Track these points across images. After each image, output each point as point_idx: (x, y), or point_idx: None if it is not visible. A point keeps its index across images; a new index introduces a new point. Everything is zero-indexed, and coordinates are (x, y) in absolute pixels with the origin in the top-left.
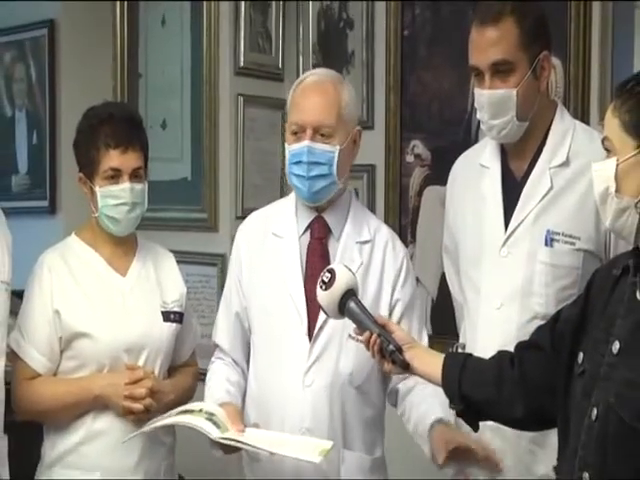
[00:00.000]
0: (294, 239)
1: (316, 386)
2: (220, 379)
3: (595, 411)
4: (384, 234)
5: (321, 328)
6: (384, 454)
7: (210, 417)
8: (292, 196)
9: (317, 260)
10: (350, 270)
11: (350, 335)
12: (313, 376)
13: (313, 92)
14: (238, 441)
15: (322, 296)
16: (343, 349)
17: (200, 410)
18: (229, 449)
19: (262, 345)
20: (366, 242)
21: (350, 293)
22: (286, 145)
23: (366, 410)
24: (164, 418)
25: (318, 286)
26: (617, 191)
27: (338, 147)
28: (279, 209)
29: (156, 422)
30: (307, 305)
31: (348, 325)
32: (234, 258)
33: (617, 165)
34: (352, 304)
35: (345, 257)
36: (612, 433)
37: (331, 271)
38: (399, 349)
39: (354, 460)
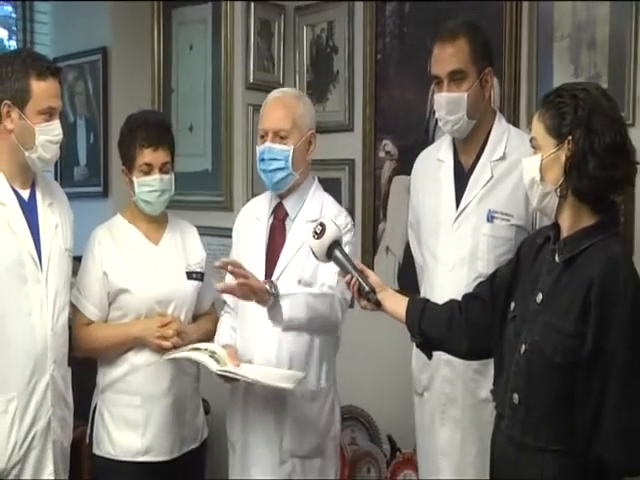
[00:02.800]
0: (265, 221)
1: (268, 327)
2: (225, 327)
3: (523, 347)
4: (330, 212)
5: (276, 280)
6: (334, 383)
7: (212, 355)
8: (268, 191)
9: (277, 235)
10: (337, 225)
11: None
12: (266, 321)
13: (274, 105)
14: (232, 372)
15: (314, 244)
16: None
17: (206, 349)
18: (229, 379)
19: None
20: (314, 221)
21: (336, 243)
22: (257, 148)
23: (311, 344)
24: (178, 352)
25: (311, 236)
26: (541, 180)
27: (292, 147)
28: (261, 199)
29: (171, 355)
30: (266, 270)
31: (293, 283)
32: (234, 237)
33: (541, 160)
34: (337, 252)
35: (296, 233)
36: (535, 363)
37: (322, 224)
38: (373, 290)
39: (300, 391)
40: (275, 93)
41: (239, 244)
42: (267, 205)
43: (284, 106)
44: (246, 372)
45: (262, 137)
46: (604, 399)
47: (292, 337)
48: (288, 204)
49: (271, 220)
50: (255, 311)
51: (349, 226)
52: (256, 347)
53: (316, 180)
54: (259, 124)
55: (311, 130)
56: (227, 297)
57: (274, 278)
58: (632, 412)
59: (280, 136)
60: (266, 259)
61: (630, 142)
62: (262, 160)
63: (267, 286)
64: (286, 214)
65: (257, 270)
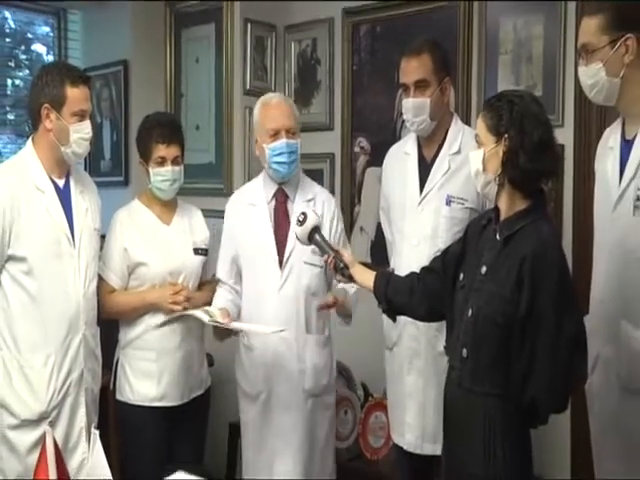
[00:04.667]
0: (264, 205)
1: (288, 295)
2: (220, 298)
3: (470, 311)
4: (322, 194)
5: (287, 260)
6: (330, 334)
7: (207, 312)
8: (259, 178)
9: (282, 216)
10: (317, 214)
11: (304, 261)
12: (285, 289)
13: (280, 107)
14: (221, 323)
15: (297, 230)
16: (302, 271)
17: (205, 310)
18: (221, 335)
19: (250, 275)
20: (310, 200)
21: (316, 229)
22: (265, 145)
23: (315, 302)
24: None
25: (295, 223)
26: (484, 170)
27: (299, 141)
28: (251, 187)
29: (176, 314)
30: (277, 246)
31: (303, 255)
32: (225, 224)
33: (484, 154)
34: (317, 236)
35: (299, 211)
36: (480, 324)
37: (304, 214)
38: (346, 266)
39: (314, 339)
40: (274, 97)
41: (237, 228)
42: (262, 192)
43: (289, 107)
44: (234, 325)
45: (274, 135)
46: (535, 352)
47: (307, 301)
48: (288, 189)
49: (273, 203)
50: (272, 283)
51: (336, 211)
52: (276, 309)
53: (300, 167)
54: (266, 124)
55: None
56: (221, 274)
57: (285, 256)
58: (557, 363)
59: (292, 132)
60: (275, 236)
61: (556, 141)
62: (281, 154)
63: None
64: (287, 197)
65: (269, 249)
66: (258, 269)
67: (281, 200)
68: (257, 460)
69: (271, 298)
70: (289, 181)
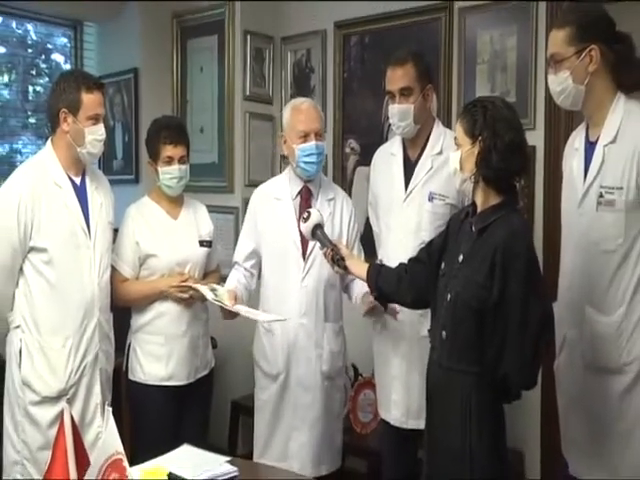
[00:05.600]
0: (289, 200)
1: (309, 286)
2: (233, 278)
3: (449, 296)
4: (341, 195)
5: (310, 253)
6: (342, 323)
7: (213, 290)
8: (284, 174)
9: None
10: (319, 212)
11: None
12: (307, 280)
13: (310, 111)
14: (224, 304)
15: (302, 226)
16: (322, 264)
17: (213, 289)
18: (228, 316)
19: (274, 266)
20: (331, 199)
21: (318, 225)
22: (295, 145)
23: (334, 297)
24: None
25: (301, 221)
26: (461, 169)
27: (325, 143)
28: (276, 183)
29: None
30: (301, 239)
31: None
32: (249, 213)
33: (461, 154)
34: (318, 232)
35: (321, 208)
36: (458, 308)
37: (308, 212)
38: (342, 259)
39: (331, 327)
40: (305, 102)
41: (262, 223)
42: (287, 188)
43: (317, 112)
44: (236, 308)
45: (304, 137)
46: (506, 334)
47: (326, 292)
48: (312, 187)
49: (298, 200)
50: (296, 274)
51: (353, 211)
52: (299, 298)
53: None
54: (296, 126)
55: None
56: (239, 258)
57: (308, 250)
58: (526, 344)
59: (319, 135)
60: (299, 230)
61: (526, 143)
62: (310, 154)
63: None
64: (310, 194)
65: (294, 242)
66: (282, 260)
67: (305, 197)
68: (272, 434)
69: (294, 288)
70: (314, 180)
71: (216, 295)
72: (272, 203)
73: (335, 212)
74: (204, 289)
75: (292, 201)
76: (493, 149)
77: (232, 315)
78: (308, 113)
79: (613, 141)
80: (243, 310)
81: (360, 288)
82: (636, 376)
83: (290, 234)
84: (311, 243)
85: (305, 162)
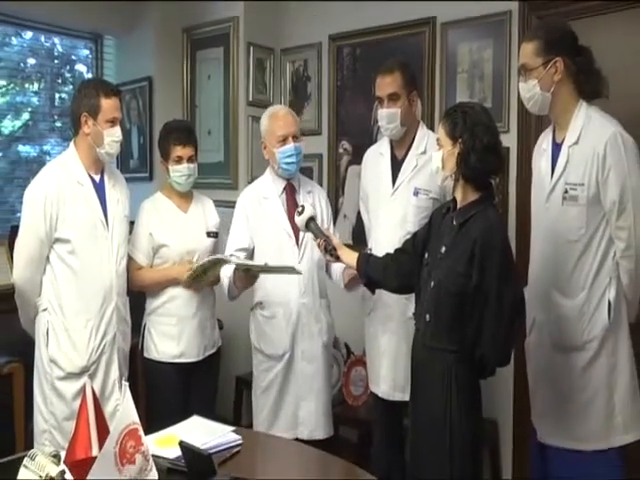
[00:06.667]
0: (276, 198)
1: (305, 269)
2: (227, 268)
3: (432, 283)
4: (317, 188)
5: (302, 240)
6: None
7: (232, 256)
8: (267, 175)
9: (292, 206)
10: (313, 207)
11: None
12: (302, 264)
13: (287, 117)
14: (249, 263)
15: (297, 219)
16: (312, 248)
17: (231, 255)
18: (245, 282)
19: (270, 257)
20: (310, 192)
21: (311, 218)
22: (274, 149)
23: (323, 276)
24: (204, 259)
25: (295, 214)
26: (443, 168)
27: (302, 145)
28: (262, 183)
29: (197, 260)
30: (292, 230)
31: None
32: (239, 213)
33: (443, 154)
34: (312, 224)
35: (303, 200)
36: (441, 294)
37: (302, 206)
38: (334, 248)
39: (324, 302)
40: (281, 109)
41: (253, 217)
42: (273, 187)
43: (293, 117)
44: (259, 263)
45: (283, 140)
46: (483, 317)
47: (318, 272)
48: (294, 183)
49: (283, 196)
50: (292, 259)
51: (327, 202)
52: (297, 280)
53: None
54: (275, 131)
55: None
56: (231, 252)
57: (300, 237)
58: (500, 325)
59: (296, 137)
60: (290, 224)
61: (501, 145)
62: (290, 156)
63: None
64: (294, 190)
65: (287, 233)
66: (278, 250)
67: (290, 193)
68: (279, 409)
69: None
70: (294, 177)
71: (236, 258)
72: (261, 202)
73: (315, 202)
74: (223, 256)
75: (279, 198)
76: (472, 150)
77: (251, 281)
78: (285, 119)
79: (576, 142)
80: (265, 264)
81: (338, 266)
82: (595, 353)
83: (283, 227)
84: (301, 232)
85: (286, 163)
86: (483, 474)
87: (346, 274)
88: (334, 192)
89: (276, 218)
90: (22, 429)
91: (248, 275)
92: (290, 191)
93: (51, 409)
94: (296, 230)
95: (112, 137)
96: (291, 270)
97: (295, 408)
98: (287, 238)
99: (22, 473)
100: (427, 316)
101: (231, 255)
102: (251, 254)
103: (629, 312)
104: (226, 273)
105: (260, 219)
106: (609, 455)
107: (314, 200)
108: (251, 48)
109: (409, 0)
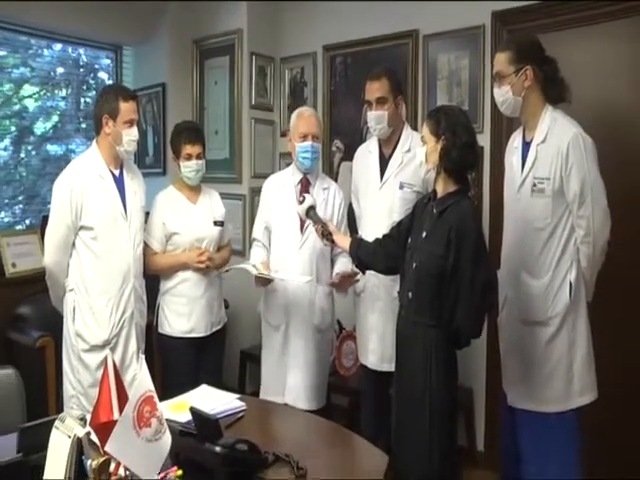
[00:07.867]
0: (292, 187)
1: (304, 254)
2: (257, 253)
3: (414, 264)
4: (334, 186)
5: (306, 228)
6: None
7: (254, 266)
8: (290, 167)
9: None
10: (313, 197)
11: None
12: (303, 249)
13: (310, 118)
14: (265, 274)
15: (298, 208)
16: (316, 238)
17: (252, 265)
18: (262, 283)
19: (279, 237)
20: (326, 188)
21: (311, 207)
22: (296, 143)
23: (325, 265)
24: (235, 266)
25: (297, 203)
26: (426, 162)
27: (320, 145)
28: (283, 173)
29: (227, 267)
30: (299, 217)
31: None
32: (263, 198)
33: (426, 150)
34: (311, 212)
35: (317, 195)
36: (422, 274)
37: (304, 197)
38: (330, 233)
39: (321, 289)
40: (307, 111)
41: (270, 203)
42: (291, 177)
43: (316, 119)
44: (273, 275)
45: (303, 137)
46: (459, 294)
47: (318, 259)
48: (310, 178)
49: (299, 187)
50: (294, 243)
51: (343, 198)
52: (296, 263)
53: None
54: (299, 128)
55: None
56: (257, 234)
57: (305, 224)
58: (473, 302)
59: (316, 137)
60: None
61: (477, 143)
62: (306, 152)
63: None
64: (309, 183)
65: (294, 218)
66: (285, 233)
67: (304, 185)
68: (275, 374)
69: (293, 255)
70: (312, 172)
71: (257, 269)
72: (279, 189)
73: (329, 198)
74: (248, 267)
75: (294, 188)
76: (453, 146)
77: (267, 282)
78: (309, 119)
79: (543, 141)
80: (279, 276)
81: (337, 269)
82: (557, 328)
83: (291, 213)
84: (308, 221)
85: (302, 157)
86: (457, 434)
87: (336, 278)
88: None
89: (287, 205)
90: (54, 395)
91: (265, 280)
92: (305, 183)
93: (78, 377)
94: (302, 222)
95: (130, 136)
96: (300, 280)
97: (285, 376)
98: (293, 223)
99: (54, 433)
100: (410, 294)
101: (253, 265)
102: (269, 234)
103: (587, 292)
104: (254, 259)
105: (275, 202)
106: (568, 417)
107: (328, 196)
108: (253, 57)
109: (395, 15)
